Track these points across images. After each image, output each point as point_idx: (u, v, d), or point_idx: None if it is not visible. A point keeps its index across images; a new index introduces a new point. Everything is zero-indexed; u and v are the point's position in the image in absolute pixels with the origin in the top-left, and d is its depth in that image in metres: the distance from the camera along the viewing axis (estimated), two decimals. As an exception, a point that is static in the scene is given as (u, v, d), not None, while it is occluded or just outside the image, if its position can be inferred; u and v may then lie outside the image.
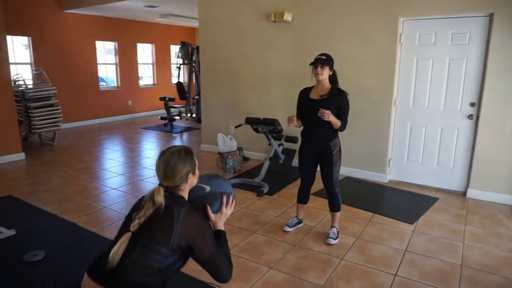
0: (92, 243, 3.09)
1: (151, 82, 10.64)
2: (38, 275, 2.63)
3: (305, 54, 4.93)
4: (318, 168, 3.18)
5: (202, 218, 1.61)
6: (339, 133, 3.08)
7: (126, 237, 1.46)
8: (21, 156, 5.65)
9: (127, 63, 9.56)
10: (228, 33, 5.67)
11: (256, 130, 4.79)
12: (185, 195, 1.64)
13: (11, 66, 7.34)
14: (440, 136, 4.35)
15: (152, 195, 1.52)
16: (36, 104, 5.93)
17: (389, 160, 4.69)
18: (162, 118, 8.61)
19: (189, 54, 8.70)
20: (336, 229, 3.19)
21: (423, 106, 4.40)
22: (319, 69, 2.93)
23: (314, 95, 3.04)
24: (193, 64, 8.89)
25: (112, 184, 4.56)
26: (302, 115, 3.16)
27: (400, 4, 4.23)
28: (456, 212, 3.78)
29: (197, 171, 1.67)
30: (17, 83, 6.70)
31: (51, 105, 6.15)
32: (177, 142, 7.31)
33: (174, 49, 10.86)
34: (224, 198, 1.77)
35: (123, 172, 5.10)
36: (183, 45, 8.67)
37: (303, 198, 3.34)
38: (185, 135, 7.95)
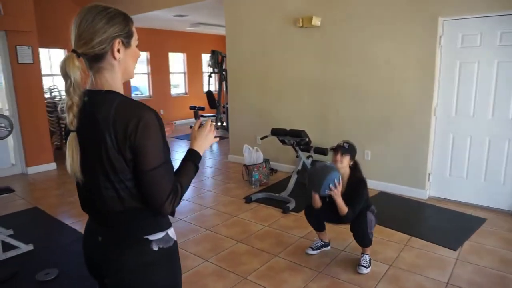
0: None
1: (183, 91, 10.70)
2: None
3: (334, 61, 4.64)
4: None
5: (154, 113, 1.10)
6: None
7: (72, 139, 1.09)
8: (53, 166, 5.76)
9: (159, 72, 9.67)
10: (254, 40, 5.49)
11: (283, 142, 4.54)
12: (113, 82, 1.13)
13: (49, 77, 7.65)
14: (488, 147, 3.88)
15: (64, 67, 1.04)
16: (68, 115, 6.03)
17: (429, 174, 4.26)
18: (191, 127, 8.57)
19: (219, 62, 8.62)
20: (369, 256, 2.87)
21: (467, 114, 3.95)
22: (338, 156, 2.78)
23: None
24: (223, 72, 8.80)
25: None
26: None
27: (439, 3, 3.83)
28: (507, 237, 3.31)
29: (133, 45, 1.17)
30: (52, 93, 6.91)
31: (82, 116, 6.25)
32: (207, 151, 7.20)
33: (206, 57, 10.88)
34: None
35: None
36: (213, 53, 8.61)
37: (317, 226, 3.06)
38: (214, 145, 7.84)
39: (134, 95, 9.81)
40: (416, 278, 2.68)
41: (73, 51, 1.07)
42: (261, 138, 4.76)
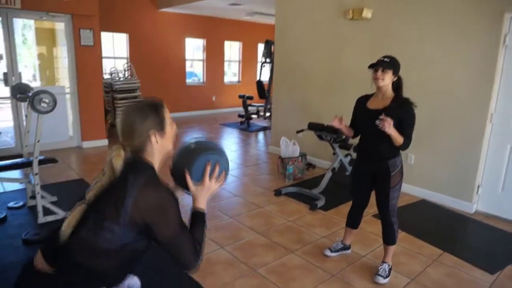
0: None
1: (236, 79, 10.82)
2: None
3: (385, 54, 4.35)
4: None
5: (166, 191, 1.29)
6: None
7: (79, 210, 1.29)
8: (105, 142, 6.18)
9: (214, 59, 9.86)
10: (302, 31, 5.34)
11: (320, 137, 4.39)
12: (154, 161, 1.36)
13: (111, 60, 8.18)
14: (553, 164, 3.41)
15: (111, 157, 1.28)
16: (122, 95, 6.42)
17: (478, 186, 3.86)
18: (239, 116, 8.66)
19: (272, 52, 8.55)
20: (388, 265, 2.68)
21: (531, 124, 3.50)
22: (379, 73, 2.45)
23: (372, 105, 2.57)
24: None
25: (168, 178, 4.64)
26: (357, 126, 2.71)
27: (508, -3, 3.40)
28: (562, 267, 2.90)
29: (168, 130, 1.37)
30: (113, 75, 7.38)
31: (135, 97, 6.61)
32: (251, 140, 7.24)
33: (261, 47, 10.86)
34: (208, 166, 1.42)
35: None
36: (267, 43, 8.55)
37: (353, 221, 2.89)
38: (260, 134, 7.86)
39: (191, 80, 10.14)
40: (438, 297, 2.45)
41: (121, 143, 1.32)
42: (297, 132, 4.65)
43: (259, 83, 8.70)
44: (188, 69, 9.81)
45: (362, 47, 4.60)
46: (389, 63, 2.45)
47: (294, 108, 5.63)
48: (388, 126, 2.31)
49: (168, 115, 1.38)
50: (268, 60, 8.70)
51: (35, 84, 7.06)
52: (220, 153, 1.51)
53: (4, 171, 3.40)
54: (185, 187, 1.44)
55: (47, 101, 2.92)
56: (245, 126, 8.40)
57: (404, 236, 3.30)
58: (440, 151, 4.03)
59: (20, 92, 3.59)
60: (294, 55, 5.53)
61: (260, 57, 10.93)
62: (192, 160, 1.41)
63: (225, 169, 1.49)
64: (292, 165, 4.73)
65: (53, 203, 3.62)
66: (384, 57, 2.48)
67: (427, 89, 4.05)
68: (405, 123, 2.43)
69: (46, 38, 6.71)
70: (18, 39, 7.11)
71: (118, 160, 1.26)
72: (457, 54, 3.79)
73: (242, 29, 10.18)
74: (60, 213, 3.39)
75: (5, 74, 5.27)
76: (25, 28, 7.96)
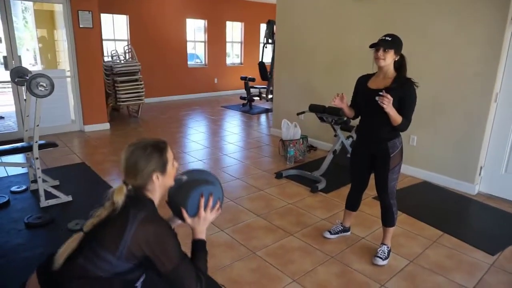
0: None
1: (238, 61, 10.69)
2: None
3: (388, 35, 4.24)
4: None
5: (165, 225, 1.35)
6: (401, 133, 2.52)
7: (76, 237, 1.34)
8: (106, 126, 6.18)
9: (215, 41, 9.72)
10: (304, 10, 5.21)
11: (321, 119, 4.34)
12: (155, 197, 1.42)
13: (112, 42, 8.09)
14: (558, 145, 3.35)
15: (113, 192, 1.34)
16: (122, 78, 6.37)
17: (481, 168, 3.82)
18: (242, 98, 8.59)
19: (274, 33, 8.40)
20: (388, 247, 2.68)
21: (536, 104, 3.42)
22: (380, 52, 2.37)
23: (373, 84, 2.50)
24: (278, 43, 8.58)
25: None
26: (358, 106, 2.67)
27: (517, -29, 3.27)
28: None
29: (169, 170, 1.43)
30: (113, 58, 7.31)
31: (136, 80, 6.56)
32: (253, 122, 7.20)
33: (264, 28, 10.67)
34: (202, 199, 1.48)
35: (185, 149, 5.18)
36: (269, 23, 8.41)
37: (352, 204, 2.88)
38: (262, 116, 7.82)
39: (194, 62, 10.04)
40: (436, 279, 2.45)
41: (124, 182, 1.37)
42: (298, 114, 4.60)
43: (261, 65, 8.59)
44: (190, 51, 9.71)
45: (366, 27, 4.48)
46: (391, 42, 2.37)
47: (296, 90, 5.56)
48: (387, 103, 2.26)
49: (170, 156, 1.44)
50: (270, 41, 8.57)
51: (37, 67, 7.04)
52: (212, 182, 1.56)
53: (6, 155, 3.41)
54: (182, 219, 1.51)
55: (44, 85, 2.90)
56: (247, 108, 8.34)
57: (405, 217, 3.29)
58: (443, 132, 3.97)
59: (18, 76, 3.56)
60: (296, 35, 5.42)
61: (262, 38, 10.77)
62: (185, 196, 1.48)
63: (219, 198, 1.55)
64: (293, 148, 4.70)
65: (55, 187, 3.65)
66: (386, 35, 2.40)
67: (432, 69, 3.96)
68: (405, 103, 2.38)
69: (46, 20, 6.64)
70: (19, 22, 7.04)
71: (120, 196, 1.32)
72: (463, 34, 3.68)
73: (244, 9, 9.98)
74: (62, 197, 3.42)
75: (4, 57, 5.24)
76: (26, 11, 7.88)
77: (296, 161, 4.75)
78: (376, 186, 2.62)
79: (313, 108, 4.28)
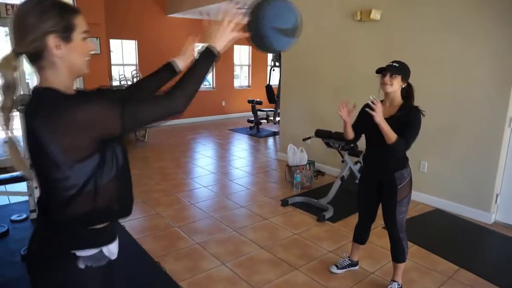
0: (132, 249, 3.04)
1: (246, 84, 10.73)
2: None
3: (394, 58, 4.14)
4: (379, 204, 2.55)
5: (78, 101, 1.03)
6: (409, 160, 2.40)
7: (10, 141, 1.06)
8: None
9: (223, 64, 9.78)
10: (309, 33, 5.19)
11: (328, 145, 4.24)
12: (60, 80, 1.06)
13: (120, 67, 8.19)
14: None
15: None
16: (129, 103, 6.39)
17: (497, 195, 3.63)
18: (249, 121, 8.55)
19: (280, 56, 8.42)
20: (398, 284, 2.51)
21: (553, 129, 3.27)
22: (387, 78, 2.31)
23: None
24: (285, 66, 8.59)
25: (175, 187, 4.56)
26: (359, 131, 2.56)
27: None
28: None
29: (77, 41, 1.06)
30: (121, 82, 7.38)
31: (142, 105, 6.56)
32: (261, 146, 7.12)
33: (271, 50, 10.75)
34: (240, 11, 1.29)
35: (190, 175, 5.09)
36: (276, 47, 8.43)
37: (360, 237, 2.73)
38: (270, 140, 7.73)
39: (202, 85, 10.07)
40: (452, 321, 2.27)
41: (13, 50, 1.02)
42: (304, 139, 4.50)
43: (269, 88, 8.58)
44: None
45: (371, 50, 4.42)
46: (398, 68, 2.30)
47: (302, 114, 5.49)
48: (378, 113, 2.15)
49: (82, 24, 1.08)
50: (277, 64, 8.58)
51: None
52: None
53: (5, 184, 3.38)
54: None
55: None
56: (254, 131, 8.28)
57: (416, 250, 3.11)
58: (456, 157, 3.82)
59: (22, 104, 3.55)
60: (301, 58, 5.39)
61: (270, 61, 10.83)
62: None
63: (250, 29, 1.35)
64: (299, 174, 4.58)
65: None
66: (393, 62, 2.35)
67: (440, 91, 3.85)
68: (407, 126, 2.26)
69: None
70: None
71: (8, 71, 1.00)
72: (472, 55, 3.58)
73: (251, 33, 10.07)
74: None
75: (13, 84, 5.30)
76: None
77: (303, 187, 4.61)
78: (384, 218, 2.48)
79: (319, 134, 4.18)
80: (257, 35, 1.39)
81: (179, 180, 4.89)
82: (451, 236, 3.41)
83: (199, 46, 1.36)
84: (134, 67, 8.15)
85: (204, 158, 6.11)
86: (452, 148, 3.83)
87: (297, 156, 4.69)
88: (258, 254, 3.02)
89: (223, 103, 10.07)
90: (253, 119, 8.39)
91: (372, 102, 2.17)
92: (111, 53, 7.88)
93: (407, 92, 2.37)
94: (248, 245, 3.18)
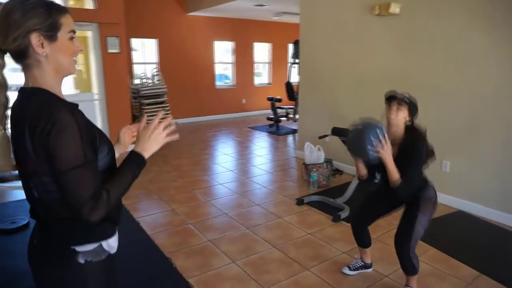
0: (144, 245, 3.08)
1: (266, 81, 10.68)
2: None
3: (414, 55, 4.02)
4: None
5: (65, 113, 0.99)
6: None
7: (1, 136, 1.09)
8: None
9: (243, 62, 9.78)
10: (327, 29, 5.09)
11: (345, 143, 4.12)
12: (44, 81, 1.05)
13: (141, 65, 8.33)
14: None
15: None
16: (148, 101, 6.49)
17: (524, 198, 3.43)
18: (268, 119, 8.50)
19: (298, 53, 8.32)
20: (413, 290, 2.41)
21: None
22: (393, 108, 2.20)
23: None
24: (305, 63, 8.48)
25: (191, 184, 4.58)
26: (377, 171, 2.42)
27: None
28: None
29: (62, 40, 1.05)
30: (142, 80, 7.51)
31: (161, 102, 6.66)
32: (280, 144, 7.06)
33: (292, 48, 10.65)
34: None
35: (208, 172, 5.10)
36: (296, 43, 8.32)
37: (362, 240, 2.64)
38: (289, 138, 7.65)
39: (224, 83, 10.15)
40: (469, 329, 2.15)
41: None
42: (320, 137, 4.42)
43: (288, 85, 8.49)
44: (222, 71, 9.85)
45: (390, 45, 4.27)
46: (405, 101, 2.21)
47: (321, 111, 5.39)
48: (385, 152, 2.06)
49: (69, 23, 1.06)
50: (297, 60, 8.48)
51: (73, 91, 7.34)
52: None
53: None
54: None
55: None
56: (274, 129, 8.22)
57: (435, 253, 2.98)
58: (480, 157, 3.64)
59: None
60: (319, 54, 5.29)
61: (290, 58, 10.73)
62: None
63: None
64: (316, 172, 4.49)
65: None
66: (405, 93, 2.25)
67: (465, 89, 3.67)
68: (407, 154, 2.15)
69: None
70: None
71: None
72: (499, 49, 3.39)
73: (272, 30, 10.00)
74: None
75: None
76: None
77: (319, 186, 4.53)
78: (398, 229, 2.35)
79: (336, 131, 4.08)
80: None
81: (196, 177, 4.92)
82: (473, 240, 3.25)
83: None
84: (155, 65, 8.26)
85: (222, 155, 6.13)
86: (477, 147, 3.65)
87: (314, 154, 4.61)
88: (269, 253, 2.99)
89: (244, 101, 10.06)
90: (273, 116, 8.33)
91: (378, 139, 2.08)
92: (134, 52, 8.02)
93: (412, 129, 2.23)
94: (260, 243, 3.15)
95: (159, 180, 4.74)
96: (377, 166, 2.29)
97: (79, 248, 1.10)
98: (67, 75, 1.14)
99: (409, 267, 2.34)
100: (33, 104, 1.01)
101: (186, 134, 7.67)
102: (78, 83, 7.19)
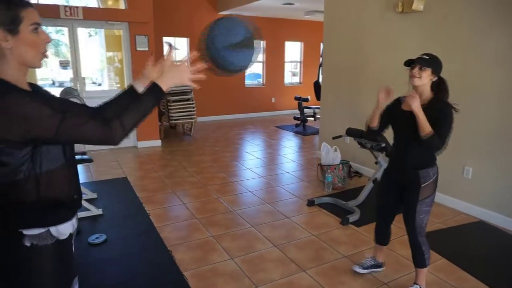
0: (149, 236, 3.18)
1: (297, 81, 10.58)
2: (93, 256, 2.88)
3: (439, 53, 3.79)
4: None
5: (16, 96, 1.06)
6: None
7: None
8: (158, 143, 6.48)
9: (274, 61, 9.76)
10: (350, 28, 4.95)
11: (360, 144, 4.01)
12: (6, 69, 1.12)
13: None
14: None
15: None
16: (175, 98, 6.66)
17: (553, 210, 3.15)
18: (295, 118, 8.43)
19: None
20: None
21: None
22: (416, 70, 2.16)
23: (406, 106, 2.24)
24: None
25: (207, 180, 4.65)
26: (393, 128, 2.41)
27: None
28: None
29: (25, 33, 1.11)
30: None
31: (187, 100, 6.81)
32: (305, 144, 6.99)
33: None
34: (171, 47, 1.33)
35: (225, 168, 5.16)
36: (326, 42, 8.19)
37: (381, 237, 2.60)
38: (315, 138, 7.53)
39: (256, 82, 10.20)
40: None
41: None
42: (334, 138, 4.31)
43: (317, 84, 8.36)
44: (254, 70, 9.91)
45: (414, 44, 4.08)
46: (428, 61, 2.15)
47: (341, 112, 5.27)
48: (415, 100, 2.05)
49: (32, 16, 1.12)
50: (327, 60, 8.34)
51: (102, 88, 7.73)
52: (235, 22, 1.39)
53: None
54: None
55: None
56: (300, 129, 8.14)
57: (443, 264, 2.82)
58: (505, 164, 3.38)
59: (64, 96, 3.89)
60: (341, 53, 5.16)
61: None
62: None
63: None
64: (331, 173, 4.40)
65: (91, 199, 3.88)
66: (423, 54, 2.19)
67: (491, 92, 3.43)
68: (437, 122, 2.09)
69: (113, 44, 7.28)
70: (89, 45, 7.79)
71: None
72: (527, 49, 3.13)
73: (303, 28, 9.89)
74: (92, 210, 3.59)
75: (71, 79, 5.83)
76: (96, 35, 8.77)
77: (334, 188, 4.43)
78: (404, 218, 2.35)
79: (351, 132, 3.98)
80: (216, 61, 1.42)
81: (213, 173, 4.99)
82: (490, 252, 3.03)
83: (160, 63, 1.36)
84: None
85: (243, 153, 6.16)
86: (501, 153, 3.40)
87: (330, 155, 4.52)
88: (269, 252, 2.97)
89: (273, 100, 10.05)
90: (299, 116, 8.25)
91: (411, 96, 2.08)
92: (176, 51, 8.21)
93: (438, 87, 2.20)
94: (261, 242, 3.14)
95: (177, 175, 4.86)
96: (394, 124, 2.34)
97: (26, 232, 1.16)
98: (32, 67, 1.20)
99: (418, 255, 2.31)
100: None
101: (212, 132, 7.79)
102: (109, 80, 7.54)
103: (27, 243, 1.16)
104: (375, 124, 2.41)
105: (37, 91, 1.24)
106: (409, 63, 2.21)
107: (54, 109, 1.10)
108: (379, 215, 2.58)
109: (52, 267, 1.23)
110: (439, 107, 2.12)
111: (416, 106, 2.05)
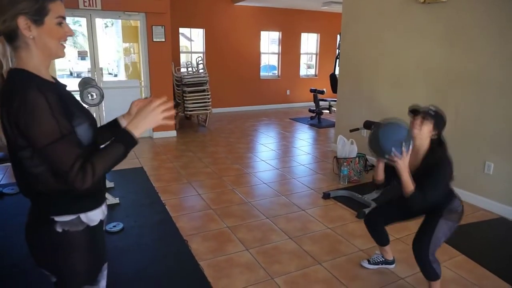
0: (165, 226, 3.21)
1: (313, 73, 10.47)
2: (109, 244, 2.90)
3: (462, 47, 3.71)
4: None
5: (36, 94, 1.05)
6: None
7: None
8: (173, 133, 6.52)
9: (289, 52, 9.67)
10: (369, 18, 4.85)
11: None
12: (33, 62, 1.13)
13: (189, 54, 8.59)
14: None
15: None
16: (190, 89, 6.68)
17: None
18: (310, 111, 8.36)
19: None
20: (434, 292, 2.28)
21: None
22: (418, 121, 2.08)
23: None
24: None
25: (222, 171, 4.67)
26: (396, 182, 2.23)
27: None
28: None
29: (49, 24, 1.11)
30: (188, 68, 7.74)
31: (203, 91, 6.82)
32: (319, 136, 6.93)
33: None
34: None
35: (239, 160, 5.16)
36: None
37: (376, 238, 2.55)
38: (330, 131, 7.46)
39: (271, 74, 10.14)
40: None
41: None
42: (351, 131, 4.25)
43: (333, 76, 8.25)
44: (270, 62, 9.83)
45: (436, 35, 3.97)
46: (431, 115, 2.08)
47: (359, 104, 5.19)
48: (402, 163, 1.96)
49: (58, 9, 1.13)
50: (343, 52, 8.20)
51: (119, 78, 7.80)
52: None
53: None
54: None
55: (94, 94, 3.14)
56: (315, 121, 8.08)
57: (463, 260, 2.76)
58: (529, 160, 3.28)
59: (84, 87, 3.93)
60: (360, 45, 5.07)
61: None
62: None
63: None
64: (347, 166, 4.35)
65: (108, 188, 3.93)
66: (431, 105, 2.13)
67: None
68: (428, 175, 2.01)
69: (130, 35, 7.33)
70: (106, 36, 7.85)
71: None
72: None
73: (320, 20, 9.75)
74: (109, 199, 3.65)
75: (89, 69, 5.89)
76: (112, 26, 8.83)
77: (350, 181, 4.39)
78: (417, 233, 2.23)
79: (368, 125, 3.90)
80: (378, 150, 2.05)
81: (228, 164, 5.00)
82: (511, 249, 2.96)
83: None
84: (202, 55, 8.46)
85: (258, 145, 6.16)
86: (525, 148, 3.30)
87: (346, 148, 4.47)
88: (284, 244, 2.97)
89: (288, 92, 9.98)
90: (314, 108, 8.18)
91: (400, 148, 1.97)
92: (192, 42, 8.23)
93: (438, 144, 2.12)
94: (277, 234, 3.13)
95: (192, 166, 4.89)
96: (395, 173, 2.14)
97: (57, 218, 1.19)
98: (55, 58, 1.23)
99: (429, 272, 2.20)
100: (9, 84, 1.09)
101: (227, 123, 7.79)
102: (133, 71, 7.61)
103: (59, 229, 1.19)
104: (380, 177, 2.27)
105: (58, 85, 1.24)
106: (413, 111, 2.13)
107: (59, 124, 1.07)
108: (370, 215, 2.53)
109: (83, 252, 1.26)
110: (435, 163, 2.04)
111: (400, 164, 1.96)
